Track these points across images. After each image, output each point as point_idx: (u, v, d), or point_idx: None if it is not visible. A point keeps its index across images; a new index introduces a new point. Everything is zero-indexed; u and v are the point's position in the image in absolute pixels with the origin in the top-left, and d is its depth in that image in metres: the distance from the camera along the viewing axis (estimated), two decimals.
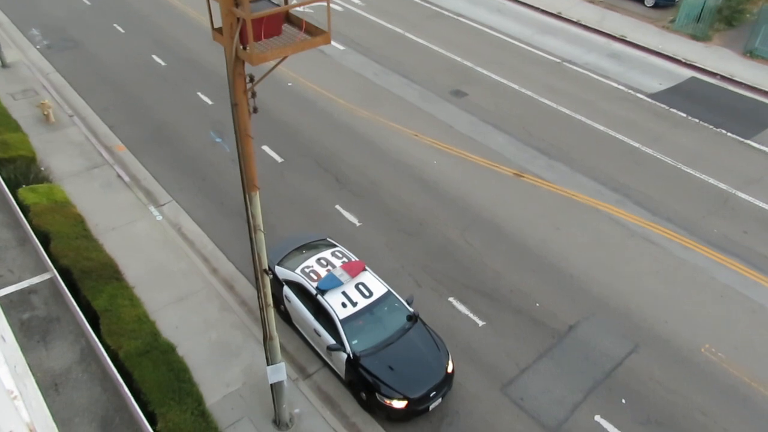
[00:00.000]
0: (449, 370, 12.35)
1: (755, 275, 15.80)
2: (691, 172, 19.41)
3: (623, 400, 12.81)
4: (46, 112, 20.50)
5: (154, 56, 25.11)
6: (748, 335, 14.27)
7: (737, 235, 16.99)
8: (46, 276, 14.39)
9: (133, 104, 22.09)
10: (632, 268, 15.95)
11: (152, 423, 11.24)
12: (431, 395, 11.99)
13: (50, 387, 12.19)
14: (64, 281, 13.99)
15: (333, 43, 25.54)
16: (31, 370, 9.42)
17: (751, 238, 16.87)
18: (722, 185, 18.84)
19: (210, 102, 22.16)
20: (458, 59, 25.57)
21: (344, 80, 23.90)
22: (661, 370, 13.42)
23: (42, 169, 18.19)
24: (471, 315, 14.50)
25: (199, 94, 22.65)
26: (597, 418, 12.48)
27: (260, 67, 7.63)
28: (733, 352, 13.84)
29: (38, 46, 25.72)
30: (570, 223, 17.33)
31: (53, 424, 8.40)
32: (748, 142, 20.90)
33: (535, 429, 12.26)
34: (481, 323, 14.33)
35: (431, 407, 12.19)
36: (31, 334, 13.24)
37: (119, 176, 18.52)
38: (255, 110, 8.03)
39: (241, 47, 7.36)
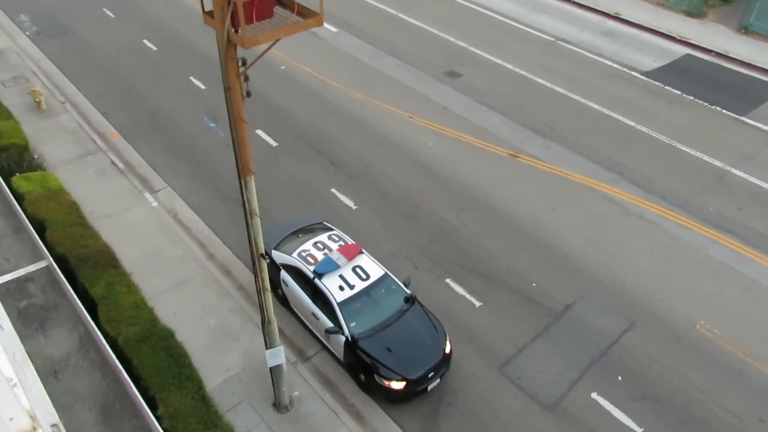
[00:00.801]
0: (447, 350, 12.44)
1: (750, 252, 15.90)
2: (686, 149, 19.43)
3: (619, 378, 12.95)
4: (37, 100, 20.32)
5: (146, 41, 24.85)
6: (743, 311, 14.39)
7: (732, 212, 17.05)
8: (42, 264, 14.37)
9: (126, 90, 21.91)
10: (627, 246, 16.03)
11: (153, 408, 11.32)
12: (429, 376, 12.09)
13: (50, 374, 12.23)
14: (60, 269, 13.98)
15: (326, 25, 25.32)
16: (30, 357, 9.45)
17: (745, 215, 16.95)
18: (717, 162, 18.87)
19: (203, 87, 22.00)
20: (452, 39, 25.40)
21: (338, 62, 23.73)
22: (657, 348, 13.55)
23: (35, 156, 18.08)
24: (468, 296, 14.58)
25: (191, 78, 22.47)
26: (593, 395, 12.62)
27: (253, 50, 7.56)
28: (728, 329, 13.97)
29: (27, 33, 25.41)
30: (565, 202, 17.36)
31: (54, 411, 8.46)
32: (743, 119, 20.90)
33: (532, 407, 12.40)
34: (478, 304, 14.41)
35: (430, 388, 12.30)
36: (29, 322, 13.25)
37: (113, 163, 18.43)
38: (248, 94, 7.97)
39: (233, 30, 7.29)
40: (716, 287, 14.97)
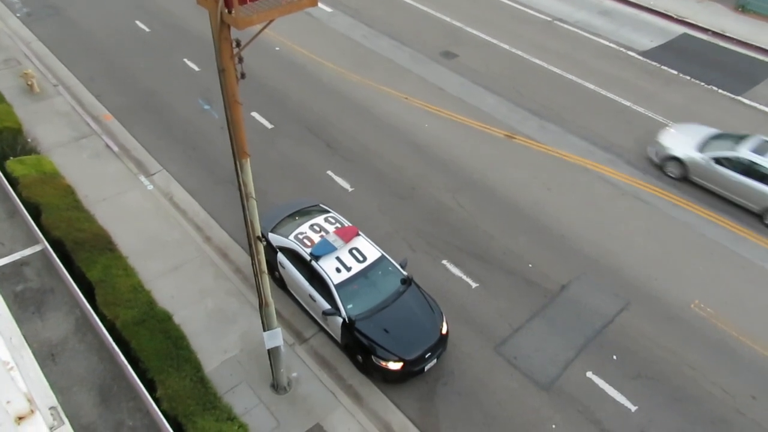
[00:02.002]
0: (443, 331, 12.53)
1: (744, 231, 15.98)
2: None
3: (614, 357, 13.07)
4: (29, 82, 20.12)
5: (138, 22, 24.57)
6: (736, 290, 14.50)
7: None
8: (37, 248, 14.36)
9: (119, 72, 21.71)
10: (623, 226, 16.08)
11: (152, 390, 11.40)
12: (426, 356, 12.18)
13: (47, 357, 12.29)
14: (56, 253, 13.97)
15: (320, 5, 25.05)
16: (26, 341, 9.49)
17: None
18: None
19: (197, 68, 21.81)
20: (448, 20, 25.18)
21: (333, 43, 23.54)
22: (652, 327, 13.66)
23: (29, 140, 17.96)
24: (464, 277, 14.64)
25: (185, 60, 22.27)
26: (589, 374, 12.75)
27: (247, 31, 7.49)
28: (722, 307, 14.09)
29: (18, 15, 25.06)
30: (561, 183, 17.37)
31: (51, 393, 8.51)
32: (739, 98, 20.86)
33: (528, 387, 12.53)
34: (474, 285, 14.48)
35: (426, 368, 12.40)
36: (25, 306, 13.28)
37: (108, 146, 18.32)
38: (243, 76, 7.91)
39: (226, 11, 7.21)
40: (710, 267, 15.06)
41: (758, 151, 16.08)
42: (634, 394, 12.41)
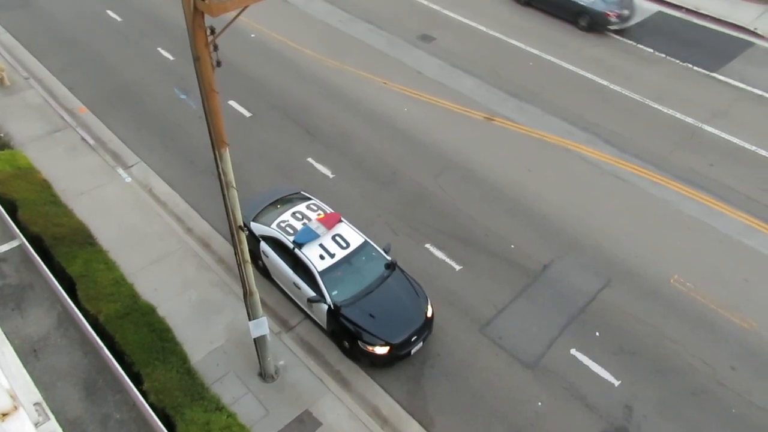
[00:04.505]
0: (429, 314, 12.61)
1: (721, 206, 16.24)
2: (659, 107, 19.60)
3: (597, 333, 13.28)
4: None
5: (109, 11, 24.08)
6: (715, 264, 14.78)
7: (704, 167, 17.35)
8: (14, 243, 14.15)
9: (92, 63, 21.30)
10: (603, 205, 16.27)
11: (139, 383, 11.36)
12: (412, 340, 12.27)
13: (29, 353, 12.17)
14: (35, 249, 13.77)
15: None
16: (7, 338, 9.38)
17: (716, 170, 17.26)
18: (689, 119, 19.09)
19: (171, 57, 21.48)
20: (424, 2, 25.05)
21: (310, 29, 23.30)
22: (633, 303, 13.89)
23: (1, 135, 17.61)
24: (448, 260, 14.72)
25: (159, 49, 21.92)
26: (572, 351, 12.94)
27: (221, 18, 7.38)
28: (701, 281, 14.35)
29: None
30: (541, 164, 17.48)
31: (36, 390, 8.44)
32: (714, 75, 21.09)
33: (514, 365, 12.69)
34: (457, 267, 14.57)
35: (413, 351, 12.50)
36: (5, 303, 13.11)
37: (83, 139, 18.02)
38: (218, 64, 7.80)
39: None
40: (689, 242, 15.32)
41: None
42: (617, 369, 12.63)
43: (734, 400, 12.17)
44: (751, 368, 12.69)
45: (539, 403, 12.08)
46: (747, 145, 18.17)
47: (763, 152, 17.97)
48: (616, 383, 12.40)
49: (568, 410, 11.97)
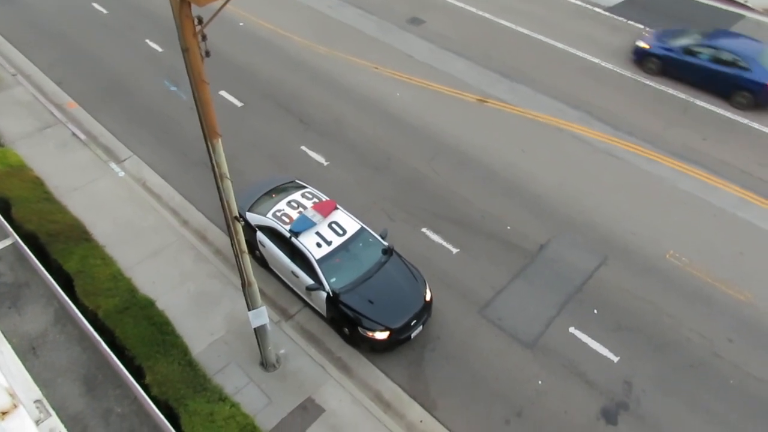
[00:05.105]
0: (427, 298, 12.66)
1: (714, 180, 16.30)
2: (651, 84, 19.58)
3: (595, 311, 13.36)
4: None
5: (95, 4, 23.81)
6: (710, 238, 14.86)
7: (697, 142, 17.38)
8: (7, 242, 14.11)
9: (79, 58, 21.09)
10: (597, 183, 16.29)
11: (140, 377, 11.39)
12: (412, 324, 12.33)
13: (28, 351, 12.19)
14: (30, 246, 13.73)
15: None
16: (5, 336, 9.38)
17: (709, 145, 17.29)
18: (681, 95, 19.08)
19: (160, 49, 21.29)
20: None
21: (298, 16, 23.11)
22: (630, 279, 13.97)
23: None
24: (445, 243, 14.75)
25: (147, 41, 21.71)
26: (571, 329, 13.03)
27: (208, 7, 7.30)
28: (697, 256, 14.44)
29: None
30: (535, 144, 17.48)
31: (35, 387, 8.47)
32: None
33: (513, 346, 12.78)
34: (455, 250, 14.60)
35: (413, 335, 12.56)
36: (1, 301, 13.09)
37: (74, 135, 17.89)
38: (207, 54, 7.72)
39: None
40: (684, 217, 15.38)
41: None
42: (616, 345, 12.74)
43: (732, 371, 12.30)
44: (748, 340, 12.81)
45: (539, 382, 12.19)
46: (739, 119, 18.19)
47: (755, 125, 18.00)
48: (615, 359, 12.51)
49: (569, 388, 12.08)
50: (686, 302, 13.51)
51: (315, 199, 13.60)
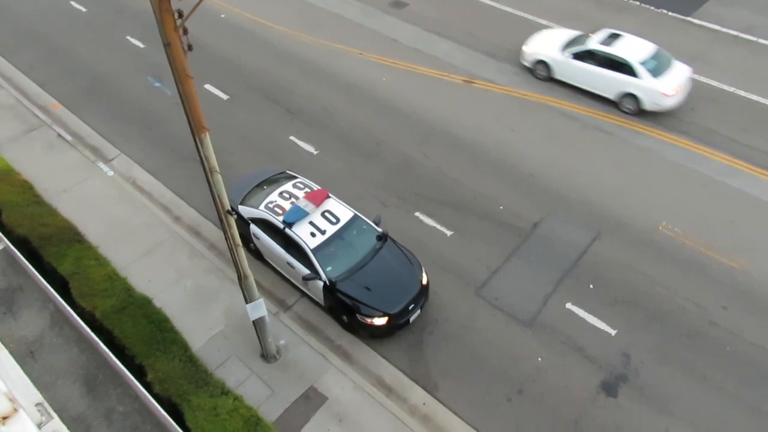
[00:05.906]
0: (424, 282, 12.71)
1: (703, 149, 16.37)
2: None
3: (591, 286, 13.46)
4: None
5: (72, 2, 23.47)
6: (701, 208, 14.95)
7: (684, 113, 17.42)
8: None
9: (60, 58, 20.83)
10: (588, 159, 16.33)
11: (142, 375, 11.40)
12: (410, 308, 12.38)
13: (26, 355, 12.17)
14: (23, 251, 13.65)
15: None
16: (2, 341, 9.35)
17: (697, 115, 17.34)
18: None
19: (142, 45, 21.05)
20: None
21: (280, 5, 22.88)
22: (624, 253, 14.06)
23: None
24: (438, 226, 14.78)
25: (128, 38, 21.46)
26: (568, 305, 13.13)
27: (188, 0, 7.22)
28: (688, 226, 14.54)
29: None
30: (524, 123, 17.47)
31: (35, 390, 8.45)
32: (689, 18, 21.04)
33: (511, 324, 12.87)
34: (449, 233, 14.63)
35: (411, 319, 12.63)
36: None
37: (60, 136, 17.72)
38: (190, 48, 7.64)
39: None
40: (674, 188, 15.46)
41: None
42: (613, 318, 12.85)
43: (727, 338, 12.45)
44: (742, 306, 12.95)
45: (539, 359, 12.29)
46: (726, 87, 18.24)
47: (741, 93, 18.06)
48: (613, 333, 12.62)
49: (568, 363, 12.19)
50: (680, 272, 13.62)
51: (307, 189, 13.57)
